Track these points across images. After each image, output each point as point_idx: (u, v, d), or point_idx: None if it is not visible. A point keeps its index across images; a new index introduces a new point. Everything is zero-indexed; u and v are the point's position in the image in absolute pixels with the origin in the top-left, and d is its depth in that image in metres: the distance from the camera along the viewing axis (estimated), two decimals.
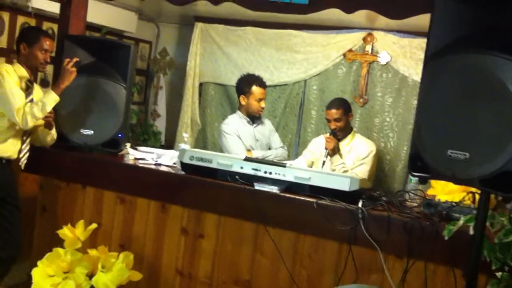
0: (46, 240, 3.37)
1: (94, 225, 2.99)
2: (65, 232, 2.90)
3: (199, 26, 5.64)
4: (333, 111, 4.06)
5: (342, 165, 3.97)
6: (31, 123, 3.26)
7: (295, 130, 5.36)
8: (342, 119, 4.06)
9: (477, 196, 2.04)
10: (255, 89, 4.14)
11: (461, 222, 2.11)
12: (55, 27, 4.49)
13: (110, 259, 2.82)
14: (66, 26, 3.73)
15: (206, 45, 5.66)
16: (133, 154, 3.55)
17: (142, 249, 3.21)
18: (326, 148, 3.96)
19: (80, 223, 2.94)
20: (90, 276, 2.77)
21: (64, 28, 3.75)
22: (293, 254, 2.82)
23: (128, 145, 3.70)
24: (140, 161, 3.41)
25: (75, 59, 3.37)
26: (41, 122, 3.40)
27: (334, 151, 3.97)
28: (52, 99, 3.29)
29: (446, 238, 2.14)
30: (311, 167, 4.21)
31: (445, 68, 1.97)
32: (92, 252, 2.87)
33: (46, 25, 4.70)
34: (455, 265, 2.39)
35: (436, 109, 1.99)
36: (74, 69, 3.35)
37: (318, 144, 4.25)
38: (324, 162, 3.93)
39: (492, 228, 2.02)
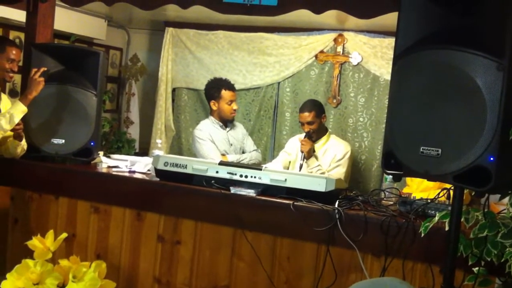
0: (19, 253, 3.29)
1: (64, 235, 2.92)
2: (35, 243, 2.83)
3: (169, 31, 5.60)
4: (306, 114, 4.06)
5: (318, 167, 3.97)
6: None
7: (270, 133, 5.35)
8: (315, 122, 4.05)
9: (451, 192, 2.05)
10: (225, 93, 4.11)
11: (436, 218, 2.13)
12: (22, 36, 4.42)
13: (82, 268, 2.76)
14: (33, 34, 3.68)
15: (177, 50, 5.62)
16: (106, 162, 3.50)
17: (119, 258, 3.16)
18: (302, 151, 3.96)
19: (50, 233, 2.87)
20: (62, 287, 2.71)
21: (31, 37, 3.69)
22: (272, 257, 2.81)
23: (101, 153, 3.65)
24: (114, 169, 3.37)
25: (42, 69, 3.30)
26: (10, 133, 3.32)
27: (309, 154, 3.96)
28: (19, 110, 3.22)
29: (423, 235, 2.15)
30: (288, 167, 4.21)
31: (414, 65, 1.98)
32: (64, 263, 2.80)
33: (13, 34, 4.63)
34: (433, 262, 2.40)
35: (407, 107, 2.00)
36: (41, 79, 3.28)
37: (293, 145, 4.25)
38: (301, 165, 3.93)
39: (467, 223, 2.03)
